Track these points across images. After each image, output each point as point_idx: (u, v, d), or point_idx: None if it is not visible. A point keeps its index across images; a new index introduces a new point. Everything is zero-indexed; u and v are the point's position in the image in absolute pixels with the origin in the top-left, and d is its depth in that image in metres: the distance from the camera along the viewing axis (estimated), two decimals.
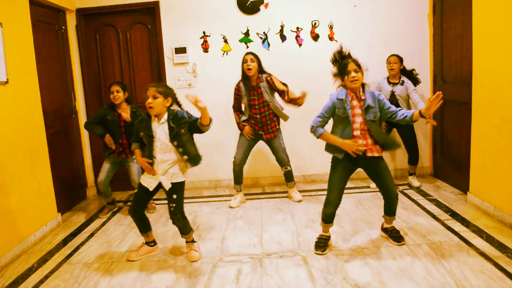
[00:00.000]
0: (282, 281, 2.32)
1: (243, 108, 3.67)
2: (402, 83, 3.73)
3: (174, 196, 2.55)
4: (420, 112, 2.38)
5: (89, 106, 4.23)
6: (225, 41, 4.17)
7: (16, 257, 2.83)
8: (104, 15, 4.19)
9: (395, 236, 2.70)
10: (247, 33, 4.15)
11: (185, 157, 2.52)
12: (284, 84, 3.48)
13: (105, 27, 4.24)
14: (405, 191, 3.82)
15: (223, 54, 4.19)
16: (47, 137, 3.39)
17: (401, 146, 2.57)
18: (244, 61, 3.48)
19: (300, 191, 3.86)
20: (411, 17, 4.11)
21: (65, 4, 3.91)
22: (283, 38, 4.17)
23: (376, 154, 2.50)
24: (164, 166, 2.53)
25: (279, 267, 2.48)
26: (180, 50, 4.15)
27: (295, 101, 3.42)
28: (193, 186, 4.36)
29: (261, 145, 3.94)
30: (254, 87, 3.50)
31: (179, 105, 2.62)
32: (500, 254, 2.43)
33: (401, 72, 3.78)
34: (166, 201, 2.66)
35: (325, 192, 2.66)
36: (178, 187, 2.57)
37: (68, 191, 3.89)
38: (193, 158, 2.55)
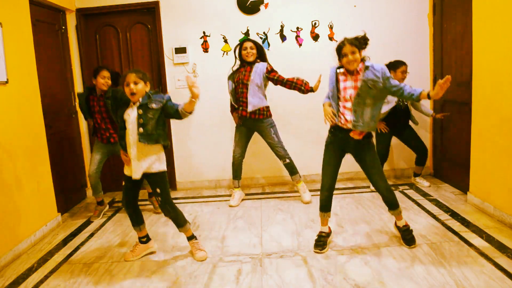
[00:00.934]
0: (282, 281, 2.32)
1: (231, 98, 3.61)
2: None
3: (158, 190, 2.53)
4: (428, 94, 2.34)
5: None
6: (225, 41, 4.17)
7: (16, 257, 2.83)
8: (104, 15, 4.19)
9: (406, 238, 2.65)
10: (247, 33, 4.15)
11: (141, 129, 2.39)
12: (297, 79, 3.43)
13: (105, 27, 4.24)
14: (405, 191, 3.82)
15: (223, 54, 4.19)
16: (47, 137, 3.38)
17: (373, 136, 2.56)
18: (243, 48, 3.44)
19: None
20: (411, 17, 4.11)
21: (65, 4, 3.91)
22: (283, 38, 4.17)
23: (356, 137, 2.48)
24: (134, 152, 2.45)
25: (279, 267, 2.48)
26: (180, 50, 4.15)
27: (314, 88, 3.35)
28: (193, 186, 4.35)
29: (261, 145, 3.94)
30: (248, 63, 3.46)
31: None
32: (500, 254, 2.43)
33: None
34: None
35: None
36: (159, 179, 2.52)
37: (68, 191, 3.89)
38: (149, 136, 2.41)
